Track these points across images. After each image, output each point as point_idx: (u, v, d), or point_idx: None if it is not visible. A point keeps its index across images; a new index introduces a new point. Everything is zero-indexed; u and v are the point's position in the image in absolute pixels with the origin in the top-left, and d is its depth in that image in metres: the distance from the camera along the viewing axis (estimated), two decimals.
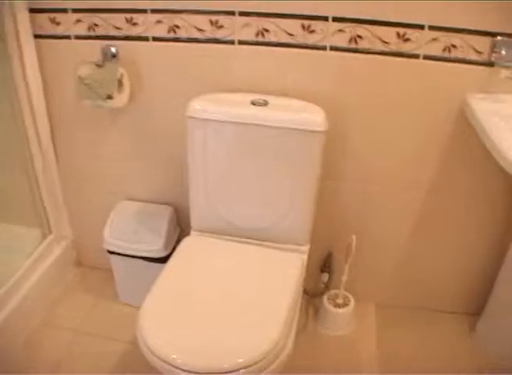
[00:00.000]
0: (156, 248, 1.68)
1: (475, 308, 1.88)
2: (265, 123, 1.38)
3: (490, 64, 1.45)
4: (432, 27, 1.42)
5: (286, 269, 1.44)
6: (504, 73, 1.41)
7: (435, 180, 1.66)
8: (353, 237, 1.64)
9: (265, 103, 1.43)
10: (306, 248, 1.55)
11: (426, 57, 1.46)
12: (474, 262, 1.82)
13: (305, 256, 1.53)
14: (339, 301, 1.82)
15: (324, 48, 1.47)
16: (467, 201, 1.69)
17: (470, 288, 1.89)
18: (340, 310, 1.80)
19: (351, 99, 1.53)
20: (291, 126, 1.37)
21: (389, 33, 1.43)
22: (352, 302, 1.82)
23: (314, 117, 1.39)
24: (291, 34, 1.46)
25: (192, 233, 1.59)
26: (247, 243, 1.53)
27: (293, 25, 1.46)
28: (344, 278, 1.76)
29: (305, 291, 1.80)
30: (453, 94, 1.49)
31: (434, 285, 1.90)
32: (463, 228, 1.75)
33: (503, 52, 1.42)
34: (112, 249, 1.72)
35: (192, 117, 1.41)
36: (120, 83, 1.54)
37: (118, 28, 1.54)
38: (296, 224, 1.52)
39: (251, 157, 1.43)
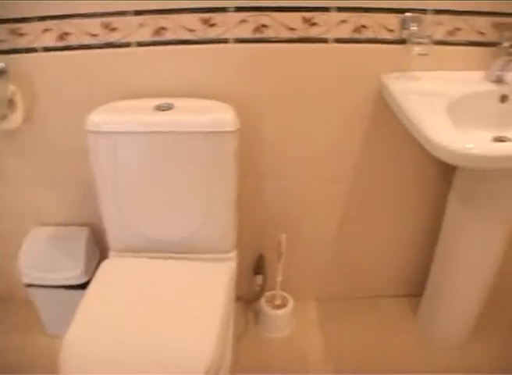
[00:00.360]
0: (75, 275, 1.56)
1: (416, 289, 1.86)
2: (171, 128, 1.28)
3: (402, 41, 1.39)
4: (339, 9, 1.34)
5: (215, 281, 1.36)
6: (416, 49, 1.34)
7: (360, 167, 1.61)
8: (283, 236, 1.58)
9: (170, 107, 1.32)
10: (233, 254, 1.46)
11: (337, 40, 1.39)
12: (410, 244, 1.80)
13: (233, 263, 1.45)
14: (277, 302, 1.75)
15: (227, 41, 1.37)
16: (395, 183, 1.66)
17: (409, 270, 1.87)
18: (279, 311, 1.74)
19: (263, 92, 1.45)
20: (199, 129, 1.28)
21: (295, 18, 1.35)
22: (290, 302, 1.76)
23: (223, 117, 1.29)
24: (191, 30, 1.36)
25: (111, 254, 1.47)
26: (170, 258, 1.43)
27: (192, 20, 1.35)
28: (279, 278, 1.69)
29: (240, 298, 1.71)
30: (369, 75, 1.44)
31: (372, 272, 1.87)
32: (394, 211, 1.72)
33: (414, 28, 1.36)
34: (28, 281, 1.58)
35: (92, 131, 1.29)
36: (12, 101, 1.40)
37: (2, 41, 1.39)
38: (218, 230, 1.43)
39: (162, 165, 1.33)
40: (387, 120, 1.45)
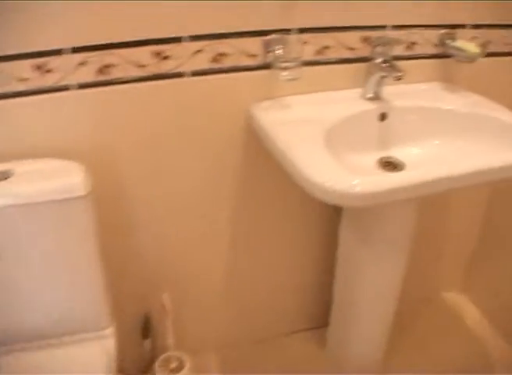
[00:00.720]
0: None
1: (319, 320, 1.77)
2: (11, 201, 1.08)
3: (268, 66, 1.24)
4: (192, 38, 1.18)
5: (91, 366, 1.17)
6: (284, 74, 1.21)
7: (239, 205, 1.48)
8: (165, 295, 1.41)
9: (8, 175, 1.12)
10: (109, 330, 1.27)
11: (194, 73, 1.23)
12: (305, 276, 1.71)
13: (111, 340, 1.26)
14: (173, 365, 1.56)
15: (68, 88, 1.17)
16: (280, 217, 1.55)
17: (311, 302, 1.78)
18: None
19: (120, 139, 1.27)
20: (45, 198, 1.08)
21: (143, 53, 1.19)
22: (188, 362, 1.56)
23: (71, 180, 1.11)
24: (23, 79, 1.15)
25: None
26: (39, 348, 1.22)
27: (23, 67, 1.14)
28: (170, 340, 1.52)
29: (130, 371, 1.52)
30: (236, 107, 1.31)
31: (272, 310, 1.75)
32: (283, 245, 1.61)
33: (279, 51, 1.22)
34: None
35: None
36: None
37: None
38: (88, 306, 1.24)
39: (10, 244, 1.13)
40: (262, 153, 1.30)
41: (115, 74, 1.18)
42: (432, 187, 1.05)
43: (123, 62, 1.18)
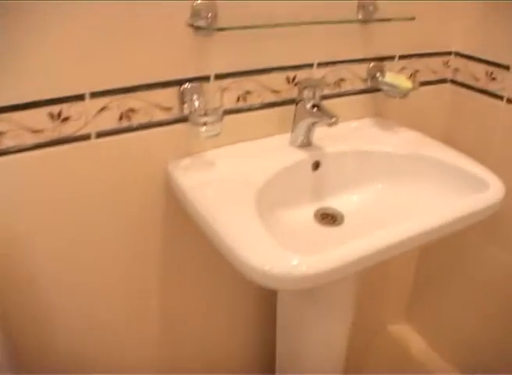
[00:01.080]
0: None
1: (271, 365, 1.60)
2: None
3: (185, 119, 1.10)
4: (93, 94, 1.01)
5: None
6: (203, 130, 1.06)
7: (164, 277, 1.31)
8: None
9: None
10: None
11: (101, 134, 1.06)
12: (245, 335, 1.58)
13: None
14: None
15: None
16: (213, 285, 1.40)
17: (255, 351, 1.64)
18: None
19: (18, 219, 1.07)
20: None
21: (39, 116, 1.00)
22: None
23: None
24: None
25: None
26: None
27: None
28: None
29: None
30: (153, 168, 1.15)
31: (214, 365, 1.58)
32: (216, 312, 1.47)
33: (196, 101, 1.08)
34: None
35: None
36: None
37: None
38: None
39: None
40: (187, 217, 1.15)
41: (5, 143, 1.00)
42: (384, 254, 0.94)
43: (16, 128, 0.99)
